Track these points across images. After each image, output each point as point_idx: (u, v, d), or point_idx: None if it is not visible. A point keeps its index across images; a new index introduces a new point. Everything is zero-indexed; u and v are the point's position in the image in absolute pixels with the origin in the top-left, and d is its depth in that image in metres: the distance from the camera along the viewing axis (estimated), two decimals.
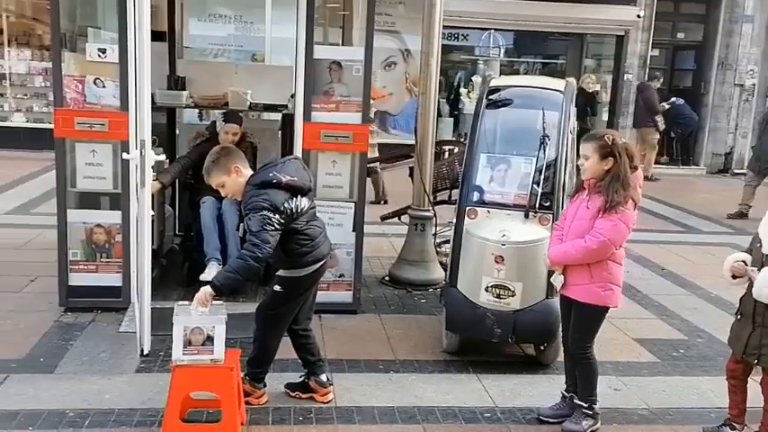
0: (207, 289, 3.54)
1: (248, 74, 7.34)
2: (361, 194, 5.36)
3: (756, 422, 3.81)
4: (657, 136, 13.08)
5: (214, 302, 3.56)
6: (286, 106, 6.16)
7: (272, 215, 3.59)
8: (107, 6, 5.52)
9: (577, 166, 3.94)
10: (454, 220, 4.79)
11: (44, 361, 4.44)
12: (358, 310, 5.52)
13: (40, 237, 7.01)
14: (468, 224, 4.60)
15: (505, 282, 4.38)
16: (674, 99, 13.63)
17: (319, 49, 5.20)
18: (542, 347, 4.71)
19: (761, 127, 10.31)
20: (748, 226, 8.55)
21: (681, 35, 14.96)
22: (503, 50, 14.47)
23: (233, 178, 3.78)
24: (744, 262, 3.63)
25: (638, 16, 13.74)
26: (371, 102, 6.07)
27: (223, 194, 3.94)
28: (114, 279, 5.21)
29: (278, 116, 6.57)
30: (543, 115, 4.61)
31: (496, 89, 5.07)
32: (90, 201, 5.22)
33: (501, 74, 14.14)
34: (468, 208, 4.64)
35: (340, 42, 6.70)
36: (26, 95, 13.13)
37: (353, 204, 5.36)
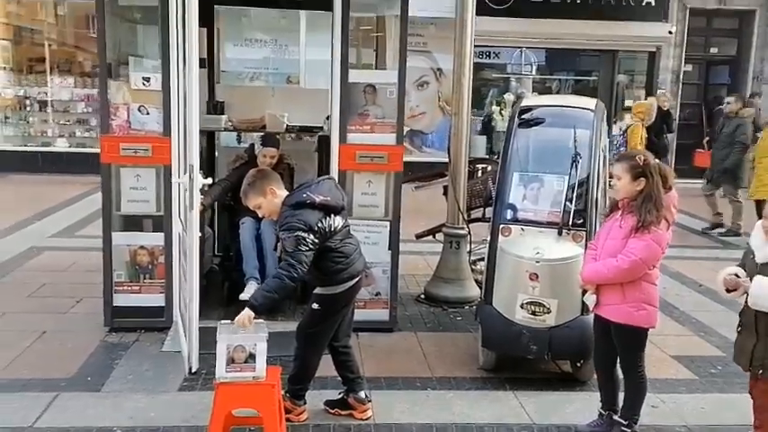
0: (248, 312, 3.65)
1: (284, 97, 7.54)
2: (396, 213, 5.44)
3: None
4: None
5: (255, 321, 3.67)
6: (321, 128, 6.30)
7: (306, 235, 3.71)
8: (147, 35, 5.72)
9: (611, 184, 3.98)
10: (488, 238, 4.86)
11: (91, 380, 4.58)
12: (394, 327, 5.59)
13: (84, 259, 7.21)
14: (502, 242, 4.66)
15: (540, 299, 4.42)
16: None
17: (354, 73, 5.32)
18: (578, 364, 4.72)
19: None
20: None
21: (714, 50, 14.88)
22: (534, 68, 14.56)
23: (269, 199, 3.91)
24: (736, 275, 3.63)
25: (670, 32, 13.73)
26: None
27: (260, 215, 4.08)
28: (157, 299, 5.35)
29: (314, 138, 6.70)
30: (575, 134, 4.67)
31: (528, 109, 5.14)
32: (134, 223, 5.39)
33: (533, 91, 14.22)
34: (501, 226, 4.70)
35: (374, 63, 6.83)
36: (69, 121, 13.57)
37: (389, 223, 5.44)
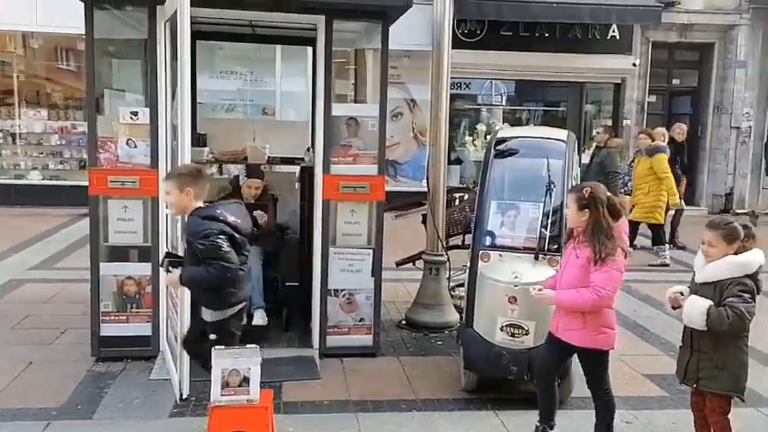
0: (175, 279, 4.01)
1: (264, 129, 7.69)
2: (378, 241, 5.60)
3: None
4: None
5: (248, 346, 3.80)
6: (303, 159, 6.47)
7: (224, 238, 3.88)
8: (130, 70, 5.84)
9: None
10: (468, 264, 5.05)
11: (82, 408, 4.64)
12: (378, 352, 5.72)
13: (65, 290, 7.25)
14: (481, 267, 4.85)
15: (519, 321, 4.61)
16: None
17: (337, 106, 5.52)
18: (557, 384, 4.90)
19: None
20: None
21: (676, 81, 15.42)
22: (505, 98, 14.89)
23: (182, 198, 4.02)
24: (681, 293, 3.90)
25: (634, 65, 14.24)
26: None
27: (164, 202, 4.22)
28: (144, 329, 5.42)
29: (295, 168, 6.87)
30: (548, 163, 4.91)
31: (503, 140, 5.39)
32: (121, 254, 5.47)
33: (504, 121, 14.54)
34: (481, 252, 4.89)
35: (352, 95, 7.05)
36: (42, 153, 13.49)
37: (372, 251, 5.60)
